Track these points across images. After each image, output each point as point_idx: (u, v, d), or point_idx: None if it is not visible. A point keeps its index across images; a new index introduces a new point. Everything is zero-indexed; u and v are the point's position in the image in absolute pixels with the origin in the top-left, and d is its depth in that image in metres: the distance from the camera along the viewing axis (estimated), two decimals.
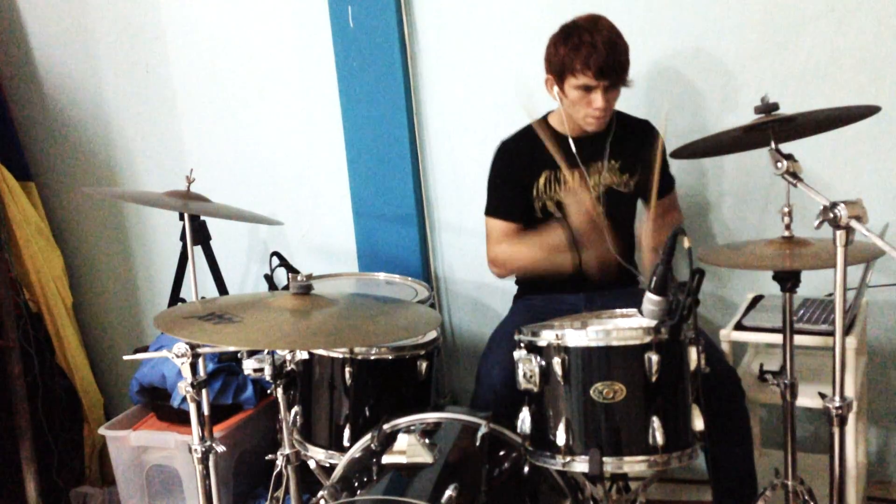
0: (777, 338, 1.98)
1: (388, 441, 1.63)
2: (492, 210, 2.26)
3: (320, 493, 1.64)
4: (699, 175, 2.49)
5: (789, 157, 1.52)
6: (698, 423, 1.52)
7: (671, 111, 2.44)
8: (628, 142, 2.21)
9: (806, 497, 1.83)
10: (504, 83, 2.63)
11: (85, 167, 3.21)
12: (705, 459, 2.01)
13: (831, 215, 1.40)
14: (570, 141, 2.17)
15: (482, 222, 2.30)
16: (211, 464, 1.85)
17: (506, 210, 2.24)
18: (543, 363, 1.51)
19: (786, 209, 1.78)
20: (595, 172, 2.19)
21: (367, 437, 1.71)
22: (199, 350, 1.68)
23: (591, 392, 1.47)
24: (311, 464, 1.91)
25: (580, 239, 2.04)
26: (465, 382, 2.87)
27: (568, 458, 1.49)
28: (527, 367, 1.53)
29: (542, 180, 2.20)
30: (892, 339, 2.42)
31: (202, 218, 2.72)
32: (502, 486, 1.59)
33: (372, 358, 1.87)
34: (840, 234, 1.41)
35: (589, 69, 2.01)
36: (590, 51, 2.00)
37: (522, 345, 1.55)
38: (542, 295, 2.30)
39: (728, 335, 2.14)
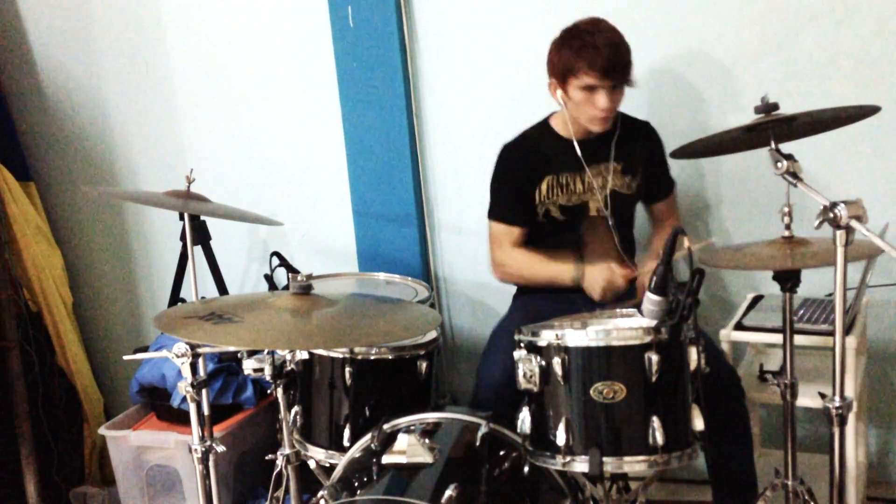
0: (777, 338, 1.98)
1: (388, 441, 1.63)
2: (495, 214, 2.27)
3: (320, 493, 1.65)
4: (699, 175, 2.49)
5: (789, 157, 1.52)
6: (698, 423, 1.53)
7: (671, 111, 2.44)
8: (631, 143, 2.21)
9: (806, 497, 1.83)
10: (504, 83, 2.62)
11: (85, 167, 3.21)
12: (705, 459, 2.02)
13: (831, 215, 1.40)
14: (575, 143, 2.17)
15: (482, 222, 2.30)
16: (211, 464, 1.85)
17: (509, 215, 2.24)
18: (543, 363, 1.51)
19: (786, 209, 1.79)
20: (598, 175, 2.19)
21: (367, 437, 1.71)
22: (199, 350, 1.68)
23: (591, 392, 1.47)
24: (311, 464, 1.91)
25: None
26: (465, 382, 2.86)
27: (568, 458, 1.49)
28: (527, 367, 1.53)
29: (544, 186, 2.19)
30: (892, 339, 2.42)
31: (202, 218, 2.72)
32: (502, 486, 1.59)
33: (372, 358, 1.87)
34: (840, 233, 1.41)
35: (593, 70, 2.00)
36: (593, 52, 2.00)
37: (522, 345, 1.55)
38: (542, 293, 2.30)
39: (728, 335, 2.13)
